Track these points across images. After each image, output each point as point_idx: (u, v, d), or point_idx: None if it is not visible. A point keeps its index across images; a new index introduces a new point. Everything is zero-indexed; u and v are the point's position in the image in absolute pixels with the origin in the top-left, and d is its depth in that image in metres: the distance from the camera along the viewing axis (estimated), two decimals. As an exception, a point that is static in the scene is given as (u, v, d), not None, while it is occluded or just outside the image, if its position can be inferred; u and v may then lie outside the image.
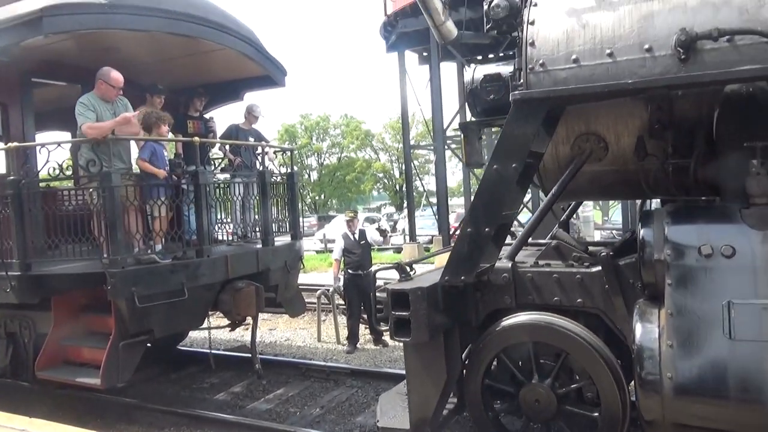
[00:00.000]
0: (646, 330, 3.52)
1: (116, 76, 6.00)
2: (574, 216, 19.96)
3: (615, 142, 4.28)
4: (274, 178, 7.57)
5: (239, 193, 7.35)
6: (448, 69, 20.67)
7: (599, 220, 23.65)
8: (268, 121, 67.01)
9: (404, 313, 4.06)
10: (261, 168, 7.30)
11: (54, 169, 5.69)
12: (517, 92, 3.97)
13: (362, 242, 8.97)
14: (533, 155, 4.16)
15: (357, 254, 8.83)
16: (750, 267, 3.29)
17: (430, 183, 40.84)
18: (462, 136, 4.96)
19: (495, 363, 4.43)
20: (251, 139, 7.95)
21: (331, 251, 21.93)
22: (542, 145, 4.20)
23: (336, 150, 56.16)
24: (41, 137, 7.91)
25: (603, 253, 4.04)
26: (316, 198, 54.95)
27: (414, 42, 17.40)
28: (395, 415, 4.62)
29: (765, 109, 3.53)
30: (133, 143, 6.35)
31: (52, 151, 5.67)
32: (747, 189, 3.39)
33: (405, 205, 25.43)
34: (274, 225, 7.36)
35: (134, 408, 6.66)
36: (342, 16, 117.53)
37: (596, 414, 4.08)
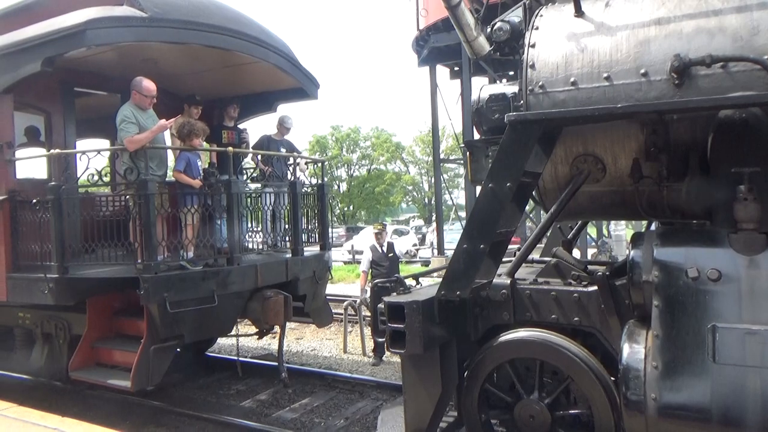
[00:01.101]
0: (633, 351, 3.56)
1: (148, 85, 6.17)
2: (606, 235, 19.57)
3: (612, 163, 4.33)
4: (305, 188, 7.65)
5: (270, 203, 7.45)
6: (480, 84, 20.67)
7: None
8: (300, 132, 67.73)
9: (400, 326, 4.15)
10: (292, 178, 7.40)
11: (92, 175, 5.87)
12: (512, 113, 4.07)
13: (390, 255, 8.98)
14: (530, 175, 4.22)
15: (385, 266, 8.84)
16: (735, 291, 3.31)
17: (459, 197, 40.73)
18: (468, 153, 5.05)
19: (492, 378, 4.49)
20: (283, 150, 8.06)
21: (359, 263, 21.99)
22: (539, 165, 4.26)
23: (366, 162, 56.49)
24: (80, 144, 8.16)
25: (600, 273, 4.10)
26: (345, 209, 55.24)
27: (446, 57, 17.46)
28: (393, 426, 4.76)
29: (757, 136, 3.56)
30: (169, 152, 6.51)
31: (92, 159, 5.87)
32: (734, 214, 3.43)
33: (434, 218, 25.39)
34: (303, 235, 7.43)
35: (162, 411, 6.78)
36: (375, 31, 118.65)
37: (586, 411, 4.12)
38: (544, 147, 4.17)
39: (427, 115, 27.57)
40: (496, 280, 4.50)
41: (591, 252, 15.12)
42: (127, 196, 6.01)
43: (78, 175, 6.19)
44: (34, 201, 6.03)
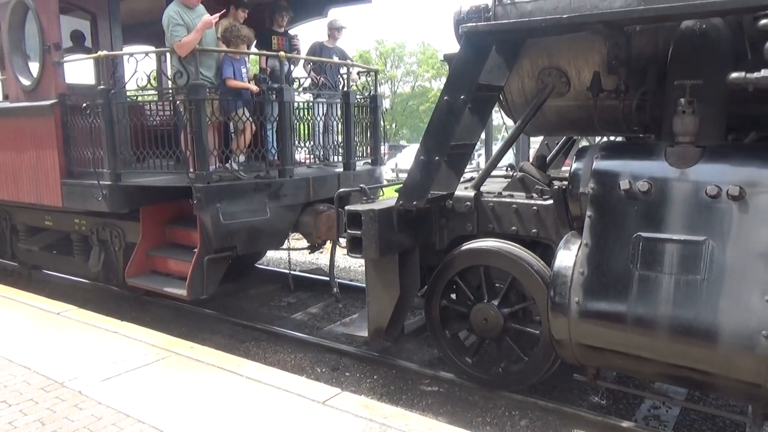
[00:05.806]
0: (564, 258, 3.73)
1: None
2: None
3: (576, 77, 4.34)
4: (358, 98, 7.26)
5: (322, 114, 7.12)
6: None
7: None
8: (342, 45, 65.95)
9: (357, 232, 4.39)
10: (345, 88, 7.01)
11: (141, 79, 5.63)
12: (466, 24, 4.10)
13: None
14: (488, 88, 4.27)
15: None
16: (663, 203, 3.40)
17: (507, 116, 39.31)
18: (448, 67, 4.96)
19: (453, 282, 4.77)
20: (335, 58, 7.62)
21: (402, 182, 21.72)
22: (500, 78, 4.33)
23: (410, 78, 54.96)
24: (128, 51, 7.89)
25: (557, 187, 4.19)
26: (388, 127, 54.39)
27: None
28: (360, 324, 5.11)
29: (711, 48, 3.54)
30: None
31: (140, 61, 5.61)
32: (672, 127, 3.47)
33: (481, 137, 24.63)
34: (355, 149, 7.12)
35: (217, 320, 6.87)
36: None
37: (537, 332, 4.37)
38: (506, 59, 4.20)
39: (478, 28, 26.09)
40: (460, 193, 4.69)
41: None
42: (177, 102, 5.78)
43: (127, 79, 5.97)
44: (84, 105, 5.87)
